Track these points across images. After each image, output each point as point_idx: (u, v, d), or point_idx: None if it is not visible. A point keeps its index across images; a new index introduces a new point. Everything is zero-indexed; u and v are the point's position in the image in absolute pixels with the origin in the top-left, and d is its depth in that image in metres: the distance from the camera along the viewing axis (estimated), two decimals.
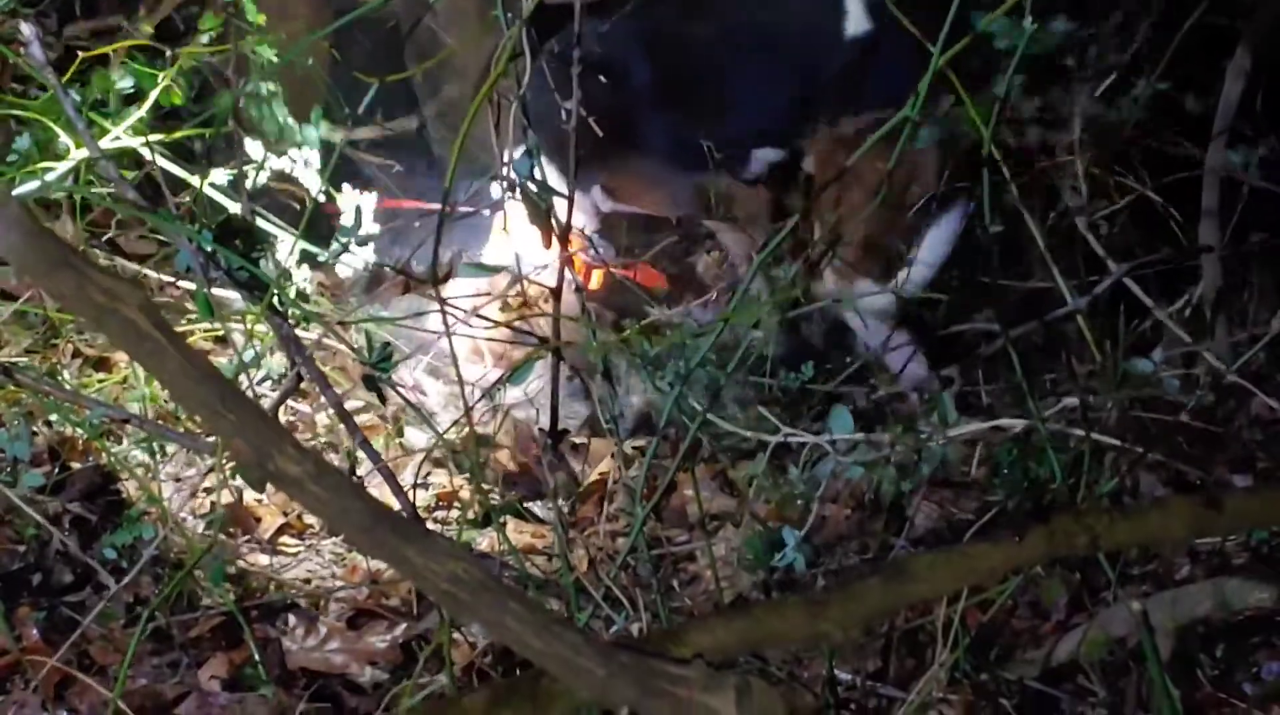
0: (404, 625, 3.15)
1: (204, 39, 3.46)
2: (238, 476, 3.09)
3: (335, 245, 2.92)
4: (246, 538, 3.48)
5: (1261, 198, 3.12)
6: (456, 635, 2.89)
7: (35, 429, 3.35)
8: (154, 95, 3.39)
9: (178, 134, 3.54)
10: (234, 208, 3.37)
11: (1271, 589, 2.62)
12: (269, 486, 3.51)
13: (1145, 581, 2.80)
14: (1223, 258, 3.17)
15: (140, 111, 3.41)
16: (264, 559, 3.41)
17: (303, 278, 3.25)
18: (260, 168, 3.28)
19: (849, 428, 2.51)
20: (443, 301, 2.42)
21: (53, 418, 3.39)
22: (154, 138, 3.41)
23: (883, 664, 2.82)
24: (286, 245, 3.30)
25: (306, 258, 3.26)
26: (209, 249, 2.62)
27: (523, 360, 2.65)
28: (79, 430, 3.35)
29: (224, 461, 2.71)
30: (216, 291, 2.76)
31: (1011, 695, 2.67)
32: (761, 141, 4.00)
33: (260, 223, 3.42)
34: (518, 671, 2.68)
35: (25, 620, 3.04)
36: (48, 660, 2.82)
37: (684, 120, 3.96)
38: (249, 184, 2.98)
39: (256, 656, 2.92)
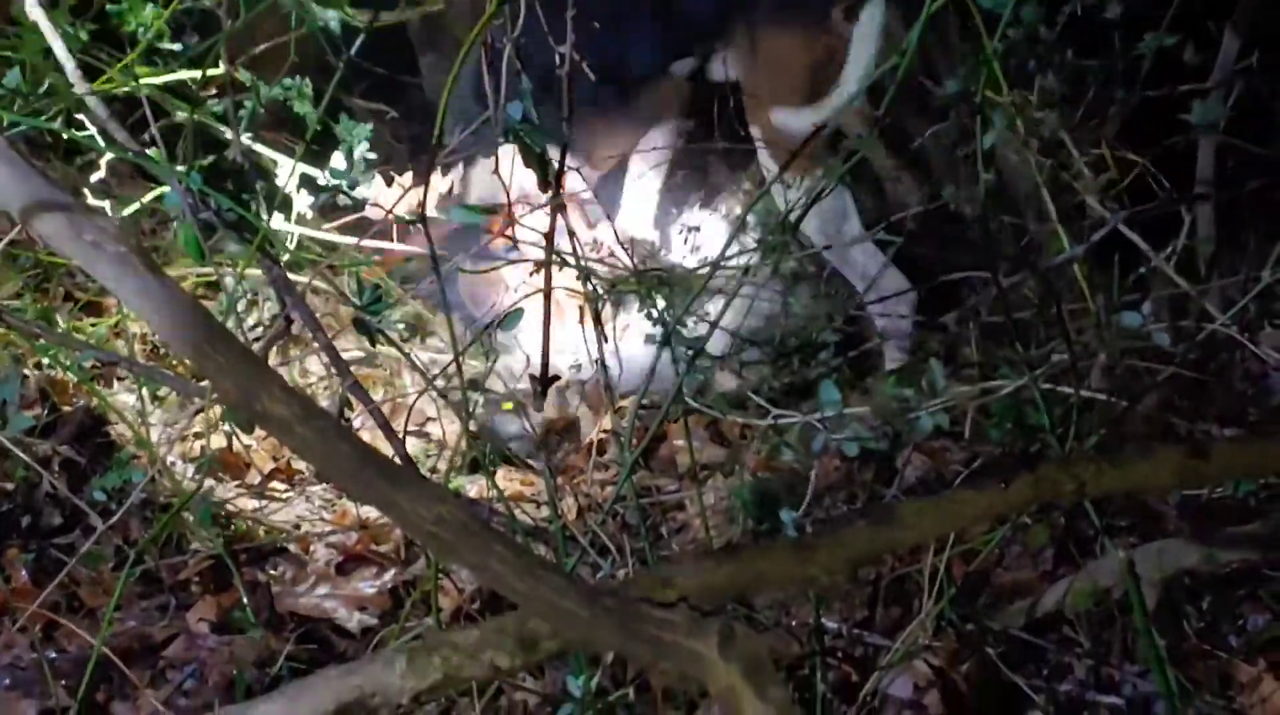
0: (393, 571, 3.16)
1: None
2: (227, 421, 3.09)
3: (329, 184, 2.91)
4: (236, 482, 3.49)
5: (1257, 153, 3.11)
6: (444, 581, 2.90)
7: (25, 372, 3.35)
8: (149, 35, 3.36)
9: (170, 75, 3.51)
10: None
11: (1258, 542, 2.62)
12: (258, 432, 3.51)
13: (1132, 533, 2.81)
14: (1216, 209, 3.17)
15: (134, 53, 3.38)
16: (253, 503, 3.42)
17: (304, 204, 3.24)
18: (256, 101, 3.25)
19: (838, 403, 2.51)
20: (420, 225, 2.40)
21: (44, 361, 3.38)
22: (146, 80, 3.39)
23: (869, 613, 2.83)
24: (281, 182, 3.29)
25: (306, 183, 3.25)
26: (198, 190, 2.61)
27: (515, 303, 2.65)
28: (69, 373, 3.35)
29: (213, 404, 2.70)
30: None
31: (997, 645, 2.68)
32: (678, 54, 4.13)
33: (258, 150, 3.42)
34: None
35: (14, 562, 3.06)
36: (36, 601, 2.83)
37: (607, 56, 3.99)
38: (242, 115, 2.95)
39: (245, 600, 2.93)
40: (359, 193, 3.13)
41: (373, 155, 3.12)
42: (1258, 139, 3.11)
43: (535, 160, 2.45)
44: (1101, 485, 1.93)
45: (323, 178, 3.20)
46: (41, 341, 3.12)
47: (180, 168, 2.42)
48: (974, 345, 3.24)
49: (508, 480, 3.43)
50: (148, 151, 2.73)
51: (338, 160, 2.93)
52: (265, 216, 2.57)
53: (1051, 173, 2.94)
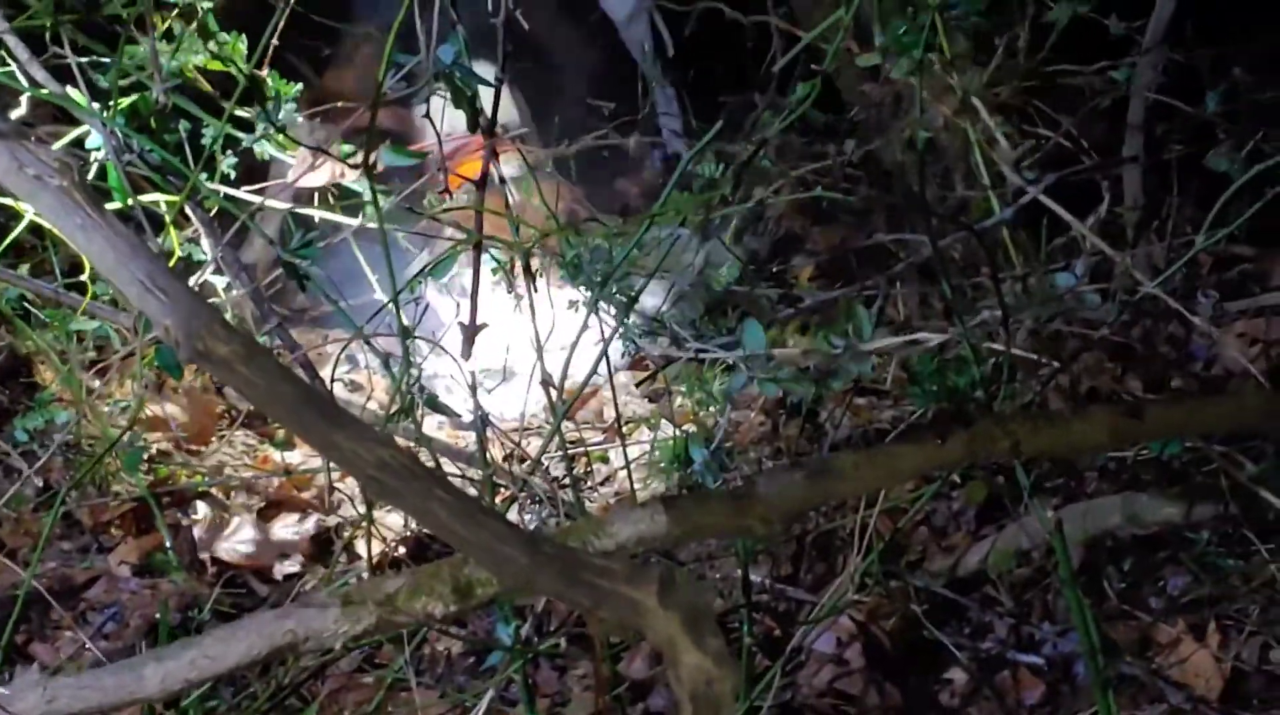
0: (316, 517, 3.15)
1: None
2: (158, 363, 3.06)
3: (258, 129, 2.88)
4: (159, 434, 3.46)
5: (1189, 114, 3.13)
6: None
7: None
8: None
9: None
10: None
11: (1181, 505, 2.65)
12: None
13: (1056, 495, 2.83)
14: (1143, 174, 3.20)
15: None
16: (175, 448, 3.39)
17: (227, 165, 3.19)
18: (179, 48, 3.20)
19: (761, 341, 2.51)
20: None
21: None
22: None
23: (793, 569, 2.85)
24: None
25: (231, 144, 3.20)
26: (121, 133, 2.58)
27: (445, 253, 2.63)
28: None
29: (148, 346, 2.67)
30: None
31: (920, 602, 2.70)
32: None
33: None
34: None
35: None
36: None
37: None
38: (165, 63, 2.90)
39: (168, 543, 2.91)
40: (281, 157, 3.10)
41: (300, 118, 3.08)
42: (1188, 101, 3.13)
43: (465, 103, 2.43)
44: (1036, 443, 1.94)
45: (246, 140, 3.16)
46: None
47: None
48: (901, 303, 3.26)
49: (434, 430, 3.41)
50: (70, 91, 2.69)
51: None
52: (191, 163, 2.55)
53: (969, 138, 2.95)
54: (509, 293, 2.74)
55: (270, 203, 3.01)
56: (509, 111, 4.02)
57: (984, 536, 2.81)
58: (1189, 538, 2.70)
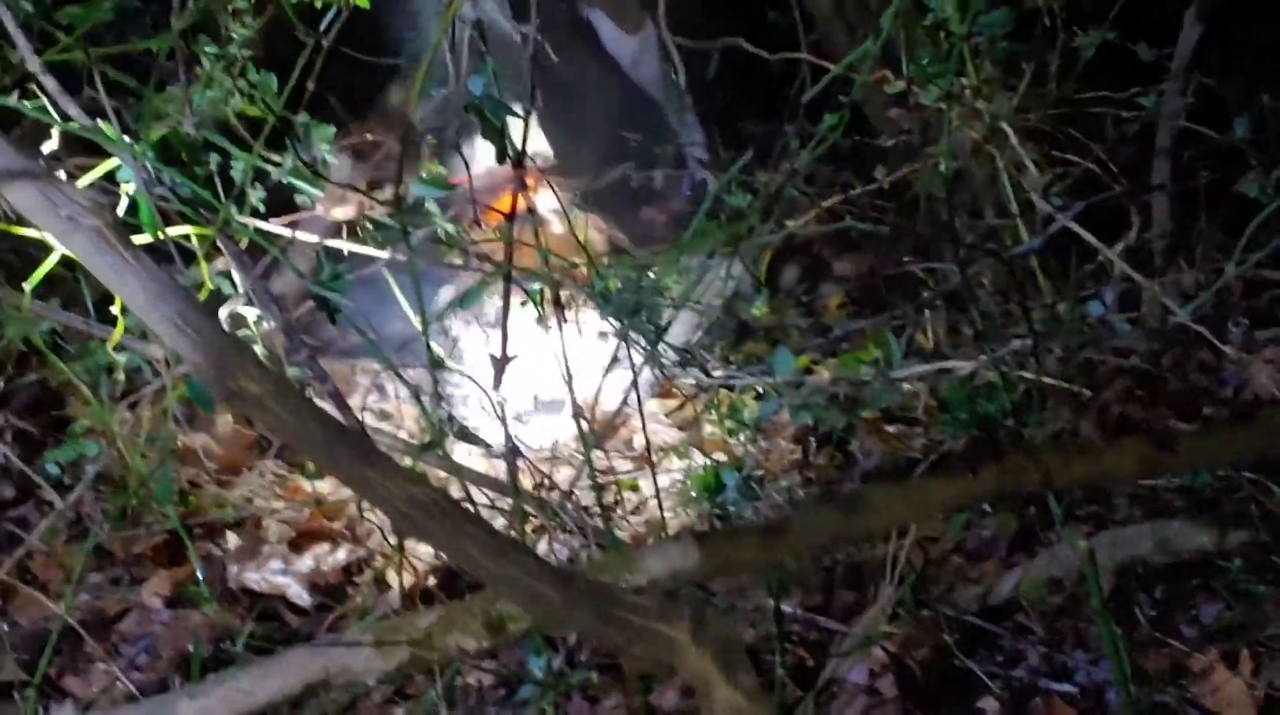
0: (346, 547, 3.15)
1: None
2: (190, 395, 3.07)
3: (287, 163, 2.88)
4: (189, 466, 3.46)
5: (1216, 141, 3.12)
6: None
7: None
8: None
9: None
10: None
11: (1213, 533, 2.64)
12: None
13: (1087, 522, 2.83)
14: (1172, 201, 3.19)
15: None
16: (207, 479, 3.40)
17: (257, 198, 3.20)
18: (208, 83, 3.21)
19: (791, 368, 2.51)
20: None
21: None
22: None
23: (824, 599, 2.84)
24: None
25: (261, 177, 3.21)
26: (152, 166, 2.59)
27: (475, 285, 2.63)
28: (37, 340, 3.30)
29: (177, 383, 2.68)
30: None
31: (952, 631, 2.69)
32: None
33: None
34: (466, 596, 2.69)
35: None
36: None
37: None
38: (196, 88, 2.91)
39: (200, 575, 2.91)
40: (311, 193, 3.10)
41: (333, 159, 3.09)
42: (1214, 128, 3.13)
43: (494, 134, 2.43)
44: (1068, 475, 1.95)
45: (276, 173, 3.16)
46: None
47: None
48: (931, 331, 3.26)
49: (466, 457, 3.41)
50: (100, 124, 2.70)
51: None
52: (222, 196, 2.56)
53: (996, 165, 2.95)
54: (539, 323, 2.74)
55: (301, 236, 3.01)
56: (541, 144, 4.04)
57: (1015, 565, 2.80)
58: (1220, 565, 2.69)
